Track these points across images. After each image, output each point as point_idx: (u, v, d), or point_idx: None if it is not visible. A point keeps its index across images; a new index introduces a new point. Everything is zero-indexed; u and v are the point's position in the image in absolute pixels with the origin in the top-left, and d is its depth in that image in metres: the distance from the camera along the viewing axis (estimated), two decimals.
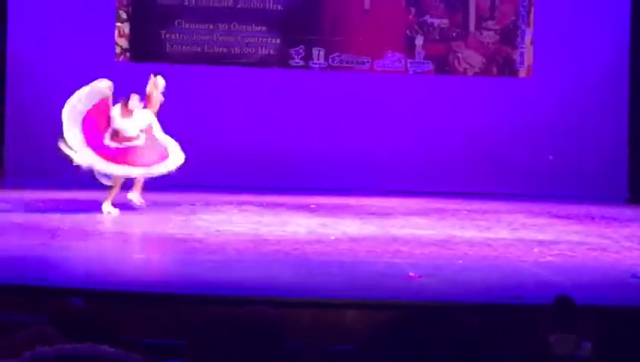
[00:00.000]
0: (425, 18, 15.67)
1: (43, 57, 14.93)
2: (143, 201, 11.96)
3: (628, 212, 13.73)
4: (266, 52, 15.52)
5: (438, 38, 15.69)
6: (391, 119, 15.33)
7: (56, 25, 15.03)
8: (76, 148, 11.41)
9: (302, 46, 15.56)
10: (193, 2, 15.44)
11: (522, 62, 15.68)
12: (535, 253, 9.73)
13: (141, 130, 11.74)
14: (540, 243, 10.40)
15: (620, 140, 15.36)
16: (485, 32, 15.74)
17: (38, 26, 15.02)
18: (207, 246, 9.69)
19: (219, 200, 13.27)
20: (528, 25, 15.68)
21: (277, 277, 8.15)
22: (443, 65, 15.70)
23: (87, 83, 11.84)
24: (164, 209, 12.27)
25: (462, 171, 15.30)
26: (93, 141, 11.53)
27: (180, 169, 11.81)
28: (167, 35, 15.42)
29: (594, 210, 13.53)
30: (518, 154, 15.37)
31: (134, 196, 11.92)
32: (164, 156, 11.76)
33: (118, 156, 11.56)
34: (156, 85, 11.92)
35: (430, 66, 15.69)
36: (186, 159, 11.87)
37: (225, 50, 15.47)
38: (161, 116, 11.93)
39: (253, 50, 15.49)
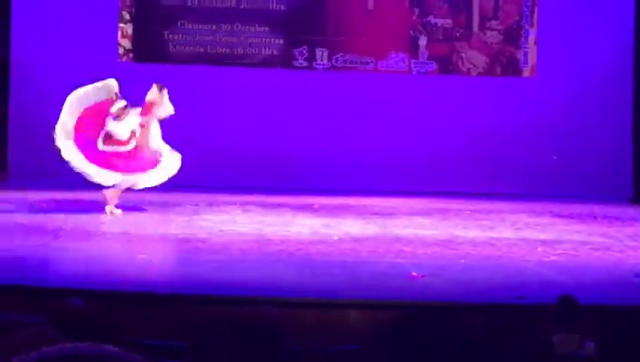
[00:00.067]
0: (428, 18, 15.65)
1: (46, 59, 14.91)
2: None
3: (631, 211, 13.72)
4: (269, 53, 15.50)
5: (441, 38, 15.67)
6: (395, 119, 15.31)
7: (59, 26, 15.01)
8: (65, 136, 11.39)
9: (305, 46, 15.53)
10: (196, 3, 15.43)
11: (526, 62, 15.66)
12: (538, 253, 9.72)
13: (133, 135, 11.66)
14: (544, 242, 10.38)
15: (624, 140, 15.34)
16: (489, 32, 15.72)
17: (41, 27, 15.00)
18: (210, 247, 9.69)
19: (222, 200, 13.25)
20: (532, 25, 15.66)
21: (280, 278, 8.15)
22: (447, 66, 15.68)
23: (90, 84, 11.85)
24: (167, 209, 12.26)
25: (465, 171, 15.28)
26: (86, 146, 11.48)
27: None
28: (170, 36, 15.41)
29: (597, 209, 13.52)
30: (521, 154, 15.35)
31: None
32: (153, 165, 11.66)
33: (109, 161, 11.49)
34: (162, 97, 11.82)
35: (434, 67, 15.67)
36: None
37: (228, 50, 15.45)
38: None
39: (257, 51, 15.47)
